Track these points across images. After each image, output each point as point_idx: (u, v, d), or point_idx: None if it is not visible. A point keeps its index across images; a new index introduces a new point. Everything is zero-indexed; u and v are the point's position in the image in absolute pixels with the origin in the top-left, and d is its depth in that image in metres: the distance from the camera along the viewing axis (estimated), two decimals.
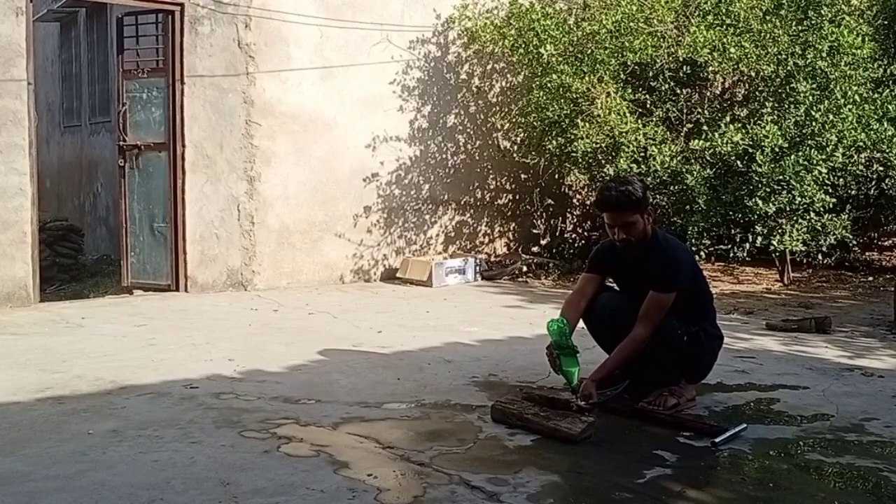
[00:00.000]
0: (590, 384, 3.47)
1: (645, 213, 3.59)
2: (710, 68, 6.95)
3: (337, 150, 7.56)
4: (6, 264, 6.07)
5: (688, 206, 7.01)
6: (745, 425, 3.37)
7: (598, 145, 7.00)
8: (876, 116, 6.63)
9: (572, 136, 7.10)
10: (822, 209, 6.74)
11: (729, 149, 6.64)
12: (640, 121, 7.02)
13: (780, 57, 6.82)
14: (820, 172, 6.55)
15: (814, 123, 6.54)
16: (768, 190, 6.59)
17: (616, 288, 3.96)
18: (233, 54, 6.91)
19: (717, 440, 3.19)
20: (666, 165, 6.79)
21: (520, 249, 8.79)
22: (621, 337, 3.59)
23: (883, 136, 6.56)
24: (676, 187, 7.02)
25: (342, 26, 7.43)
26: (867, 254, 8.80)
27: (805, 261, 8.05)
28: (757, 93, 7.27)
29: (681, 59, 7.10)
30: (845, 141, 6.54)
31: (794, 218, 6.81)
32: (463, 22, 8.04)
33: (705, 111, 7.32)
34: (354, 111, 7.61)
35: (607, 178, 3.90)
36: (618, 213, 3.55)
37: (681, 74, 7.37)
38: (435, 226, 8.33)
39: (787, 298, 6.90)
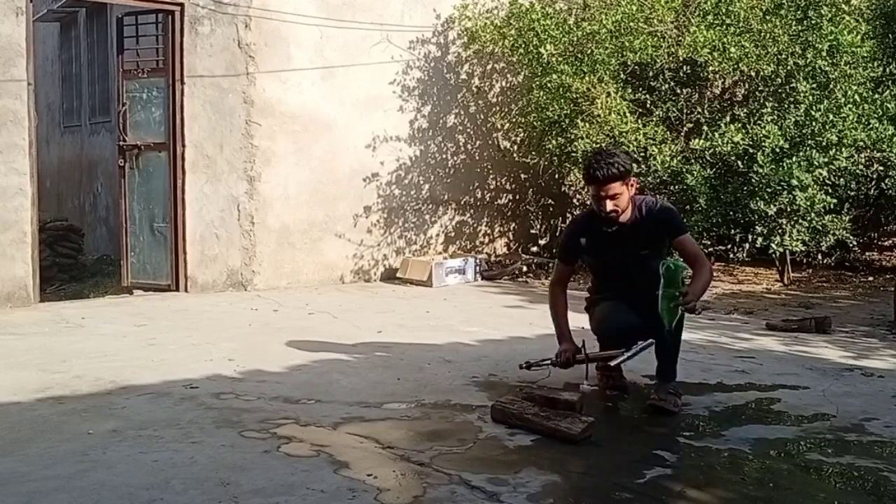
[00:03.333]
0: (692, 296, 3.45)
1: (629, 184, 3.70)
2: (710, 68, 6.95)
3: (337, 150, 7.56)
4: (6, 264, 6.07)
5: (688, 206, 7.01)
6: (651, 341, 3.60)
7: (599, 145, 7.00)
8: (876, 116, 6.63)
9: (572, 136, 7.10)
10: (822, 209, 6.74)
11: (729, 149, 6.65)
12: (640, 121, 7.03)
13: (780, 57, 6.83)
14: (820, 173, 6.55)
15: (814, 123, 6.54)
16: (769, 190, 6.59)
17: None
18: (233, 54, 6.90)
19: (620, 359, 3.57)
20: (666, 165, 6.80)
21: (520, 249, 8.79)
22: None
23: (883, 136, 6.57)
24: (676, 187, 7.02)
25: (342, 26, 7.43)
26: (867, 254, 8.80)
27: (805, 261, 8.05)
28: (757, 92, 7.27)
29: (681, 59, 7.11)
30: (846, 140, 6.55)
31: (795, 218, 6.81)
32: (463, 22, 8.04)
33: (705, 111, 7.32)
34: (354, 111, 7.61)
35: (593, 152, 4.11)
36: (605, 185, 3.64)
37: (681, 74, 7.37)
38: (435, 226, 8.33)
39: (787, 298, 6.90)
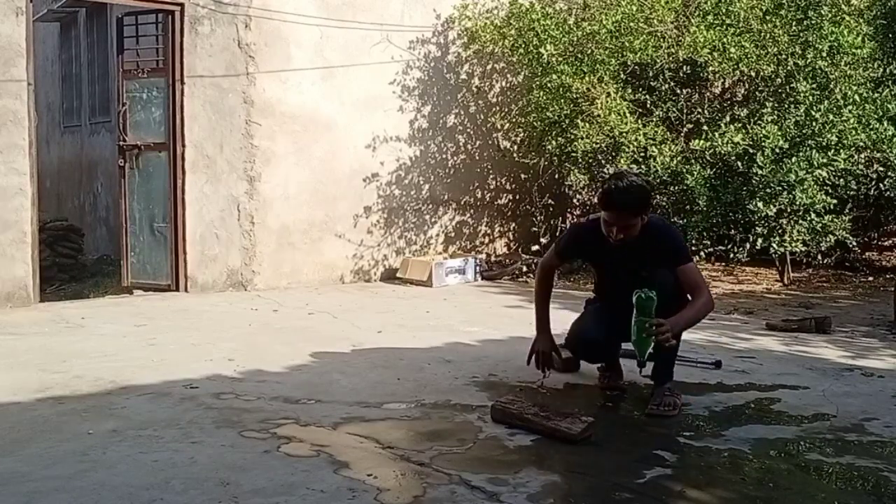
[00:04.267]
0: (668, 325, 3.37)
1: (644, 214, 3.55)
2: (710, 68, 6.95)
3: (337, 150, 7.56)
4: (6, 264, 6.07)
5: (688, 207, 7.01)
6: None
7: (598, 145, 7.00)
8: (876, 116, 6.63)
9: (572, 136, 7.10)
10: (822, 210, 6.73)
11: (729, 149, 6.64)
12: (640, 121, 7.02)
13: (780, 57, 6.82)
14: (820, 173, 6.55)
15: (814, 123, 6.54)
16: (768, 191, 6.59)
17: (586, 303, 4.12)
18: (233, 54, 6.90)
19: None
20: (666, 165, 6.79)
21: (520, 249, 8.79)
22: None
23: (883, 136, 6.56)
24: (676, 187, 7.01)
25: (342, 26, 7.43)
26: (867, 254, 8.80)
27: (805, 261, 8.04)
28: (757, 93, 7.27)
29: (681, 59, 7.10)
30: (846, 141, 6.54)
31: (795, 219, 6.81)
32: (463, 22, 8.04)
33: (705, 111, 7.32)
34: (354, 111, 7.61)
35: (613, 174, 3.85)
36: (622, 215, 3.48)
37: (681, 74, 7.37)
38: (435, 226, 8.33)
39: (787, 298, 6.90)
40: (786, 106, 6.82)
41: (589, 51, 7.21)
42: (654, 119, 7.15)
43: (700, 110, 7.34)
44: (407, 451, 3.07)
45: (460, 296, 7.09)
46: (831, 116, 6.49)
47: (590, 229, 3.73)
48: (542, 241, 8.72)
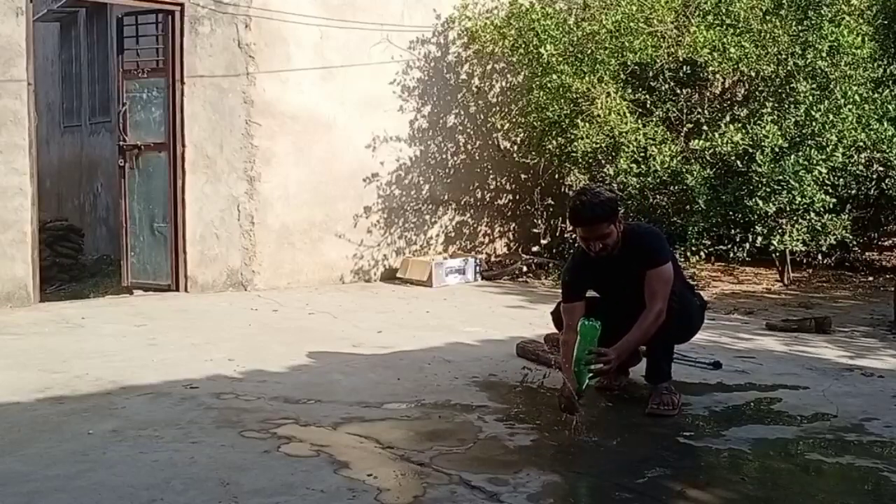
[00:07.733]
0: (613, 353, 3.36)
1: (617, 222, 3.56)
2: (710, 68, 6.95)
3: (337, 150, 7.56)
4: (6, 264, 6.07)
5: (688, 206, 7.00)
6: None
7: (598, 145, 7.00)
8: (876, 116, 6.63)
9: (572, 136, 7.10)
10: (822, 209, 6.73)
11: (729, 149, 6.64)
12: (640, 121, 7.03)
13: (780, 57, 6.83)
14: (820, 172, 6.55)
15: (814, 123, 6.54)
16: (768, 190, 6.59)
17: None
18: (233, 54, 6.90)
19: None
20: (666, 165, 6.79)
21: (520, 249, 8.79)
22: None
23: (883, 136, 6.56)
24: (676, 187, 7.01)
25: (342, 26, 7.43)
26: (867, 254, 8.79)
27: (805, 261, 8.04)
28: (757, 93, 7.27)
29: (681, 59, 7.10)
30: (845, 141, 6.54)
31: (794, 218, 6.81)
32: (463, 22, 8.04)
33: (705, 111, 7.32)
34: (354, 111, 7.61)
35: (577, 191, 3.91)
36: (593, 227, 3.51)
37: (681, 74, 7.37)
38: (435, 226, 8.32)
39: (787, 298, 6.90)
40: (786, 106, 6.82)
41: (589, 51, 7.21)
42: (654, 119, 7.15)
43: (700, 110, 7.34)
44: (407, 451, 3.07)
45: (460, 296, 7.09)
46: (831, 116, 6.49)
47: (577, 259, 3.76)
48: (543, 241, 8.73)
